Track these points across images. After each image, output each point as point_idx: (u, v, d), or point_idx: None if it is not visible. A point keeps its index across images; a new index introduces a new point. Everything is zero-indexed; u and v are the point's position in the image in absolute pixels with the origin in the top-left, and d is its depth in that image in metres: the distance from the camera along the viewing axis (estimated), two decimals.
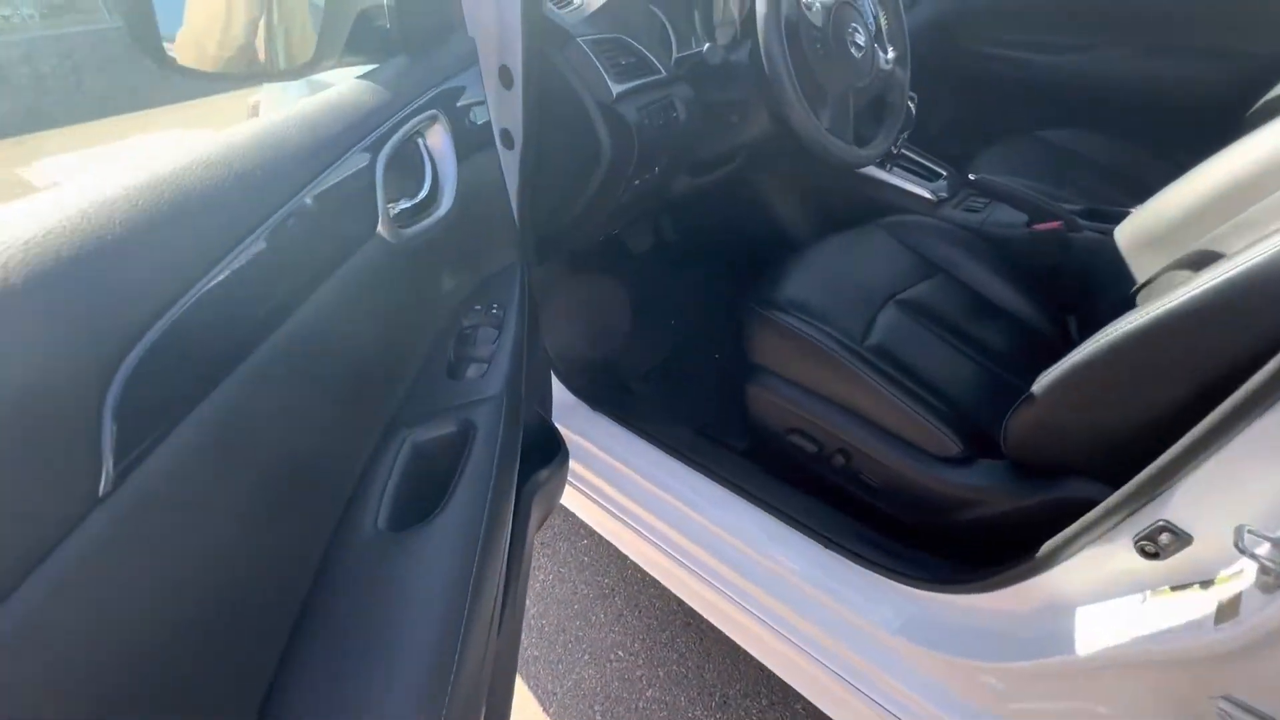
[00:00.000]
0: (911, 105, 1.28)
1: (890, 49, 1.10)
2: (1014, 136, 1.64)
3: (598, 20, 0.99)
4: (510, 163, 0.94)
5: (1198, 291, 0.58)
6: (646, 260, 1.62)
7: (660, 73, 1.01)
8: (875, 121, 1.19)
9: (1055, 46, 1.72)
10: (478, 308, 0.68)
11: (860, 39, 0.97)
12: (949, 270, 1.20)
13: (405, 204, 0.58)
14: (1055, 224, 1.14)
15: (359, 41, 0.68)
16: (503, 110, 0.90)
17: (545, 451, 0.91)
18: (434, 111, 0.60)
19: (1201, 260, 0.85)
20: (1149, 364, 0.64)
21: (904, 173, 1.38)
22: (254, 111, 1.73)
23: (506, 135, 0.93)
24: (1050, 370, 0.72)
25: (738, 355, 1.11)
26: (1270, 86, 1.46)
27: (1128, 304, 0.99)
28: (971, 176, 1.20)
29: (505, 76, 0.87)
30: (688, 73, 1.04)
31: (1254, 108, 1.40)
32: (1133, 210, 1.19)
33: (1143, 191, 1.45)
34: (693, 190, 1.25)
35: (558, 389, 1.27)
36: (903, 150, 1.40)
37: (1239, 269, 0.56)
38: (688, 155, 1.14)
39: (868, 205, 1.36)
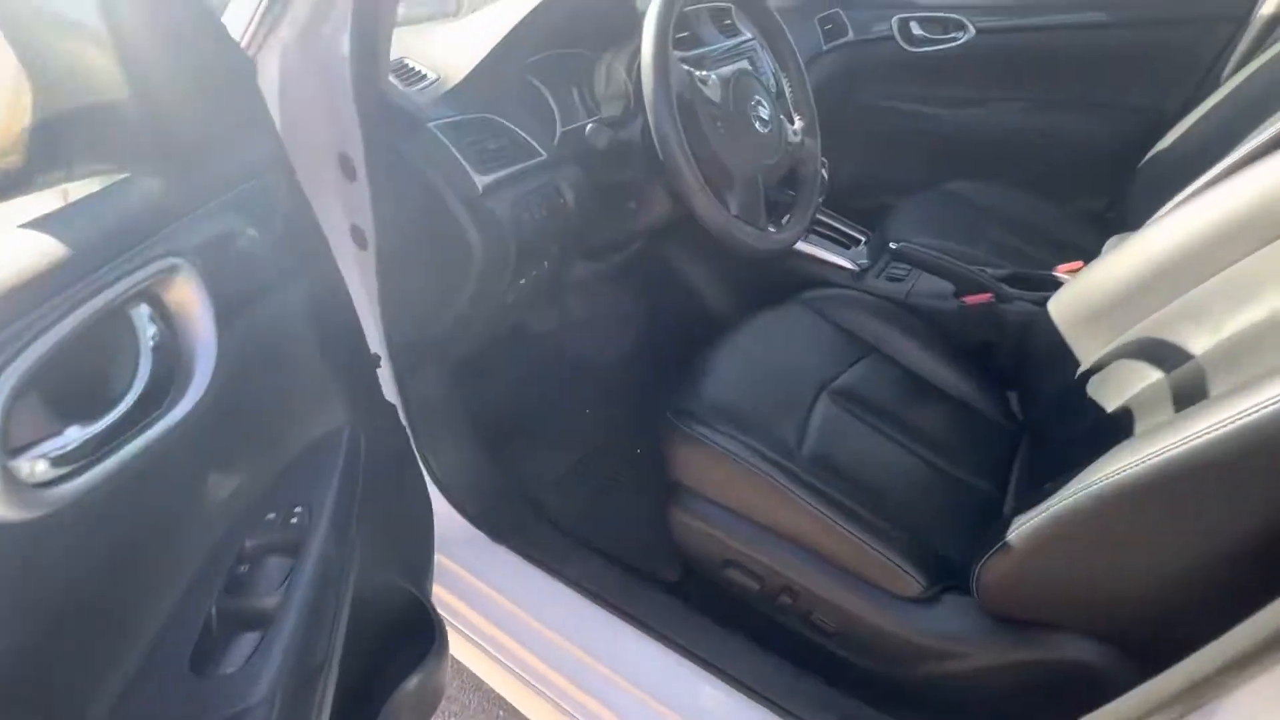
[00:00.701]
0: (824, 172, 1.18)
1: (797, 117, 1.00)
2: (924, 191, 1.60)
3: (460, 98, 0.83)
4: (365, 264, 0.75)
5: (1204, 440, 0.47)
6: (551, 341, 1.44)
7: (540, 155, 0.86)
8: (788, 199, 1.09)
9: (954, 100, 1.72)
10: (270, 517, 0.47)
11: (764, 112, 0.86)
12: (881, 349, 1.10)
13: (81, 432, 0.37)
14: (985, 296, 1.06)
15: (91, 147, 0.48)
16: (349, 204, 0.72)
17: (417, 643, 0.70)
18: (174, 261, 0.40)
19: (1154, 352, 0.77)
20: (1149, 517, 0.52)
21: (821, 240, 1.29)
22: None
23: (357, 232, 0.75)
24: (1026, 517, 0.60)
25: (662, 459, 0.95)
26: (1155, 137, 1.49)
27: (1074, 389, 0.91)
28: (893, 245, 1.12)
29: (346, 166, 0.69)
30: (575, 152, 0.90)
31: (1145, 159, 1.41)
32: (1063, 278, 1.14)
33: (1053, 245, 1.46)
34: (595, 275, 1.10)
35: (450, 520, 1.06)
36: (818, 216, 1.31)
37: (1248, 418, 0.45)
38: (583, 243, 0.99)
39: (787, 277, 1.25)
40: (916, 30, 1.69)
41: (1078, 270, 1.19)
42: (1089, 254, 1.42)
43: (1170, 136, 1.36)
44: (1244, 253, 0.74)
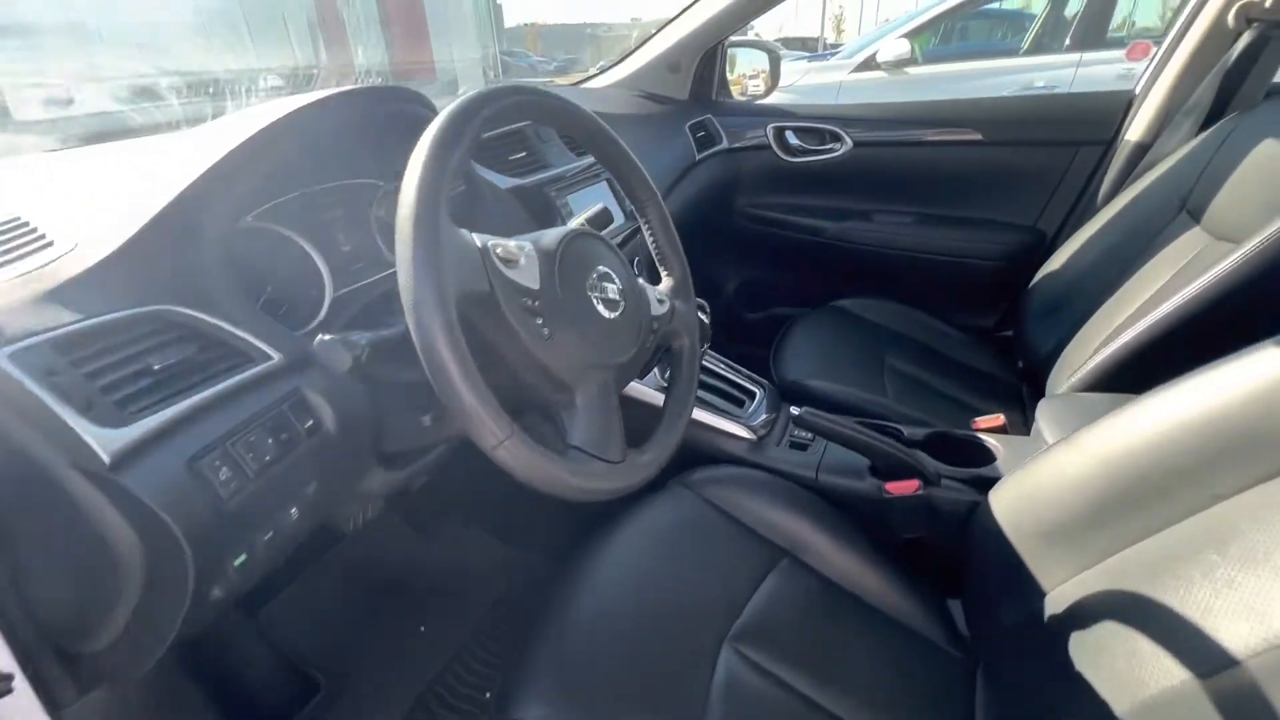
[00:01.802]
0: (705, 317, 0.95)
1: (664, 273, 0.76)
2: (813, 312, 1.44)
3: (109, 282, 0.50)
4: None
5: None
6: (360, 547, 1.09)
7: (269, 358, 0.54)
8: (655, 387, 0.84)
9: (836, 211, 1.61)
10: None
11: (614, 287, 0.60)
12: (793, 551, 0.85)
13: None
14: (912, 485, 0.85)
15: None
16: None
17: None
18: None
19: (1140, 612, 0.56)
20: None
21: (710, 395, 1.05)
22: None
23: None
24: None
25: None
26: (1039, 256, 1.44)
27: (1033, 614, 0.70)
28: (794, 412, 0.90)
29: None
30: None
31: (1034, 279, 1.32)
32: (988, 442, 0.96)
33: (957, 374, 1.34)
34: (397, 484, 0.77)
35: None
36: (703, 363, 1.08)
37: None
38: (372, 451, 0.67)
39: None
40: (793, 140, 1.58)
41: (999, 426, 1.03)
42: (993, 381, 1.31)
43: (1059, 258, 1.28)
44: (1239, 482, 0.56)
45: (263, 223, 0.65)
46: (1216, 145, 1.04)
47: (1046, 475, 0.74)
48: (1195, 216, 1.05)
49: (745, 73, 1.92)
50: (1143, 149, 1.26)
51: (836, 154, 1.54)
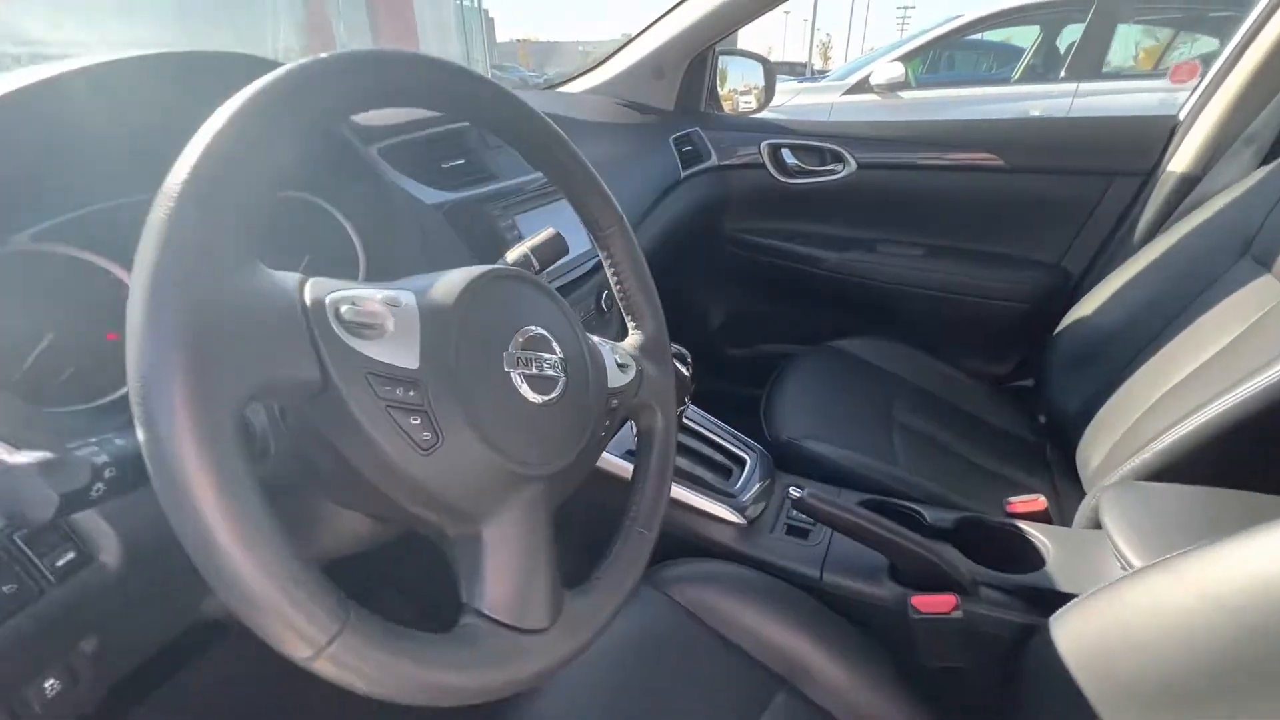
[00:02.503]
0: (686, 369, 0.76)
1: (633, 327, 0.56)
2: (810, 353, 1.26)
3: None
4: None
5: None
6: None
7: None
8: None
9: (837, 240, 1.44)
10: None
11: (549, 358, 0.40)
12: (793, 681, 0.66)
13: None
14: (949, 600, 0.65)
15: None
16: None
17: None
18: None
19: None
20: None
21: (690, 462, 0.86)
22: None
23: None
24: None
25: None
26: (1063, 300, 1.28)
27: None
28: (793, 493, 0.71)
29: None
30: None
31: (1061, 326, 1.15)
32: (1028, 532, 0.77)
33: (976, 433, 1.14)
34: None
35: None
36: (683, 420, 0.89)
37: None
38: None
39: None
40: (789, 159, 1.41)
41: (1040, 511, 0.84)
42: (1013, 440, 1.13)
43: (1088, 304, 1.11)
44: None
45: (44, 244, 0.44)
46: None
47: (1138, 610, 0.55)
48: (1264, 262, 0.89)
49: (736, 87, 1.76)
50: (1190, 182, 1.10)
51: (838, 176, 1.37)
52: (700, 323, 1.65)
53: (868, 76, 3.63)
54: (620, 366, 0.50)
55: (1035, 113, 3.40)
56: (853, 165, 1.35)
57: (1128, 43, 3.92)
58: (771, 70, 1.62)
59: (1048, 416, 1.16)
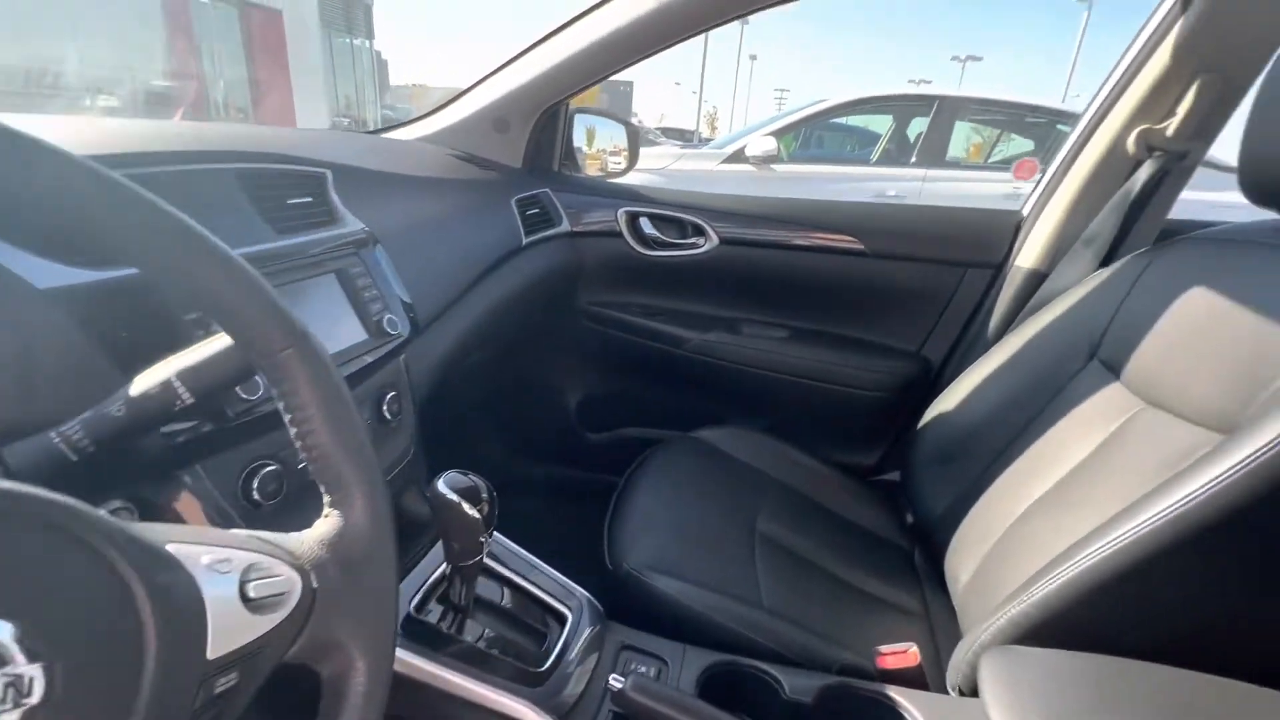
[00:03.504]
0: (478, 511, 0.56)
1: (330, 505, 0.36)
2: (668, 446, 1.11)
3: None
4: None
5: None
6: None
7: None
8: None
9: (700, 319, 1.32)
10: None
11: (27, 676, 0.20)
12: None
13: None
14: None
15: None
16: None
17: None
18: None
19: None
20: None
21: (491, 627, 0.64)
22: None
23: None
24: None
25: None
26: (926, 390, 1.23)
27: None
28: (614, 684, 0.52)
29: None
30: None
31: (924, 420, 1.09)
32: (898, 701, 0.63)
33: (841, 538, 1.04)
34: None
35: None
36: (483, 561, 0.68)
37: None
38: None
39: None
40: (648, 229, 1.29)
41: (913, 667, 0.71)
42: (882, 546, 1.03)
43: (949, 398, 1.05)
44: None
45: None
46: (1127, 286, 0.85)
47: None
48: (1112, 368, 0.85)
49: (606, 147, 1.64)
50: (1038, 277, 1.09)
51: (699, 251, 1.26)
52: (555, 405, 1.46)
53: (743, 148, 3.76)
54: (252, 603, 0.29)
55: (891, 193, 3.66)
56: (714, 240, 1.25)
57: (959, 138, 4.40)
58: (635, 133, 1.52)
59: (914, 516, 1.07)
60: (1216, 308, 0.72)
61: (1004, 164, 3.94)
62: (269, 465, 0.65)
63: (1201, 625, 0.64)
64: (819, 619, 0.82)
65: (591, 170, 1.61)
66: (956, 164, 3.87)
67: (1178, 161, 0.95)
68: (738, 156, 3.76)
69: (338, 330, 0.63)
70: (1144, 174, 0.96)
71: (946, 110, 3.79)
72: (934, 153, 3.78)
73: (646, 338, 1.32)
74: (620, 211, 1.28)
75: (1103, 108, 1.02)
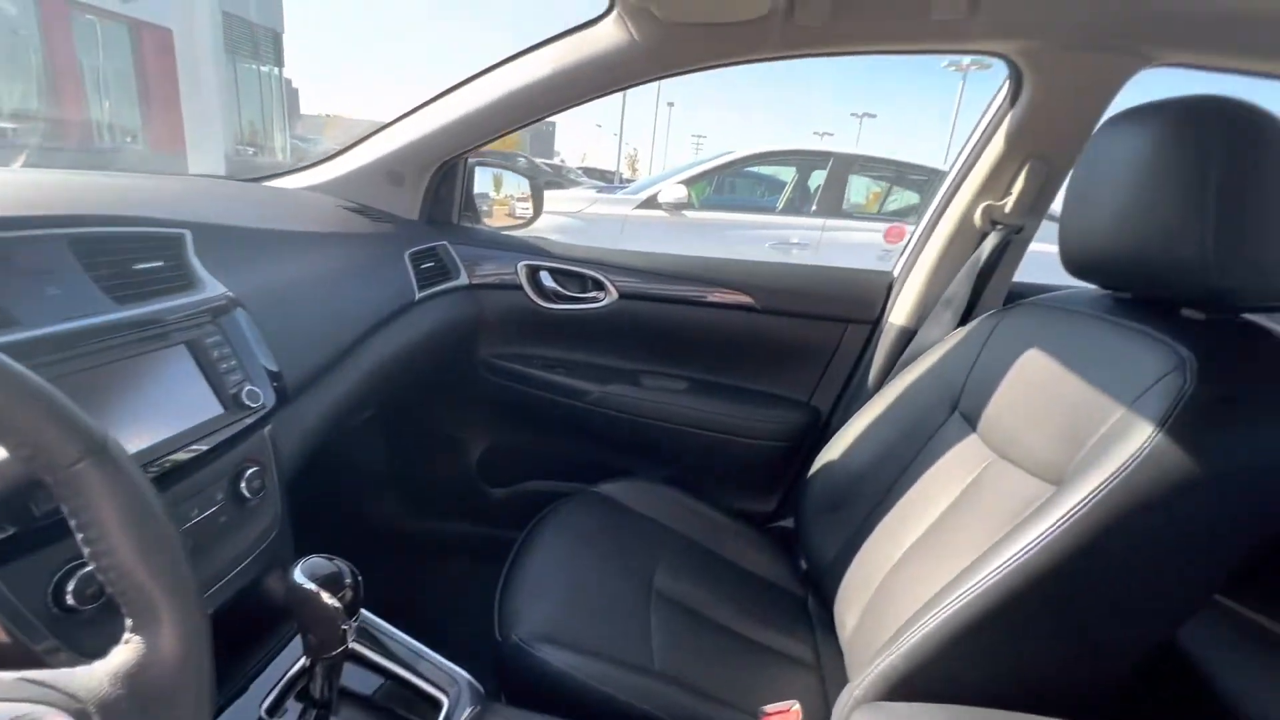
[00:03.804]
0: (337, 600, 0.53)
1: (132, 629, 0.32)
2: (569, 500, 1.10)
3: None
4: None
5: None
6: None
7: None
8: None
9: (601, 371, 1.33)
10: None
11: None
12: None
13: None
14: None
15: None
16: None
17: None
18: None
19: None
20: None
21: (357, 712, 0.60)
22: None
23: None
24: None
25: None
26: (817, 438, 1.29)
27: None
28: None
29: None
30: None
31: (814, 468, 1.13)
32: None
33: (740, 584, 1.02)
34: None
35: None
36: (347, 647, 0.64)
37: None
38: None
39: None
40: (548, 282, 1.29)
41: None
42: (777, 593, 1.06)
43: (837, 445, 1.11)
44: None
45: None
46: (979, 345, 0.94)
47: None
48: (969, 421, 0.93)
49: (514, 193, 1.65)
50: (908, 333, 1.18)
51: (600, 305, 1.28)
52: (456, 459, 1.41)
53: (657, 194, 3.89)
54: None
55: (795, 239, 3.89)
56: (614, 294, 1.28)
57: (860, 186, 4.77)
58: (539, 186, 1.54)
59: (807, 562, 1.11)
60: (1048, 369, 0.80)
61: (894, 215, 4.29)
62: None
63: (1055, 672, 0.69)
64: (710, 679, 0.82)
65: (499, 215, 1.61)
66: (851, 214, 4.17)
67: (1016, 234, 1.08)
68: (651, 202, 3.89)
69: (187, 406, 0.59)
70: (989, 244, 1.07)
71: (841, 165, 4.10)
72: (832, 203, 4.07)
73: (548, 390, 1.31)
74: (520, 265, 1.28)
75: (954, 184, 1.15)
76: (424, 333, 1.11)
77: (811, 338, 1.27)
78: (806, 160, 4.28)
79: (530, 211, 1.52)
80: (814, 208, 4.11)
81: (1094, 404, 0.71)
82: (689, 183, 3.94)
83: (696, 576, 1.02)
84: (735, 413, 1.30)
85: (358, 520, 1.44)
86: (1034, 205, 1.06)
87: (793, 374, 1.30)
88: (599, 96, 1.11)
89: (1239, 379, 0.62)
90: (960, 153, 1.16)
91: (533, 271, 1.29)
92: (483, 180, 1.47)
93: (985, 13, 0.89)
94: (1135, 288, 0.75)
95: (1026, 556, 0.62)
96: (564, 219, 3.87)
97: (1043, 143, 1.03)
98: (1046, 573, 0.62)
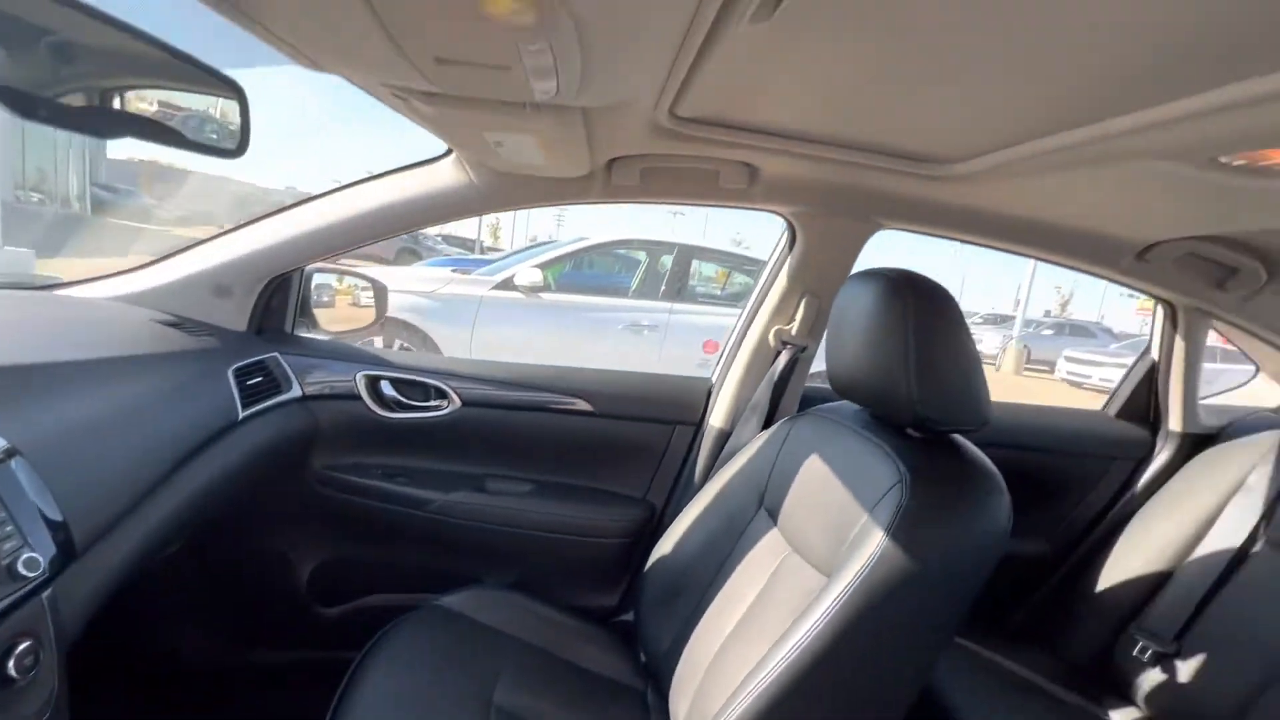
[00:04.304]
0: None
1: None
2: (409, 617, 1.08)
3: None
4: None
5: None
6: None
7: None
8: None
9: (444, 478, 1.34)
10: None
11: None
12: None
13: None
14: None
15: None
16: None
17: None
18: None
19: None
20: None
21: None
22: None
23: None
24: None
25: None
26: (652, 534, 1.39)
27: None
28: None
29: None
30: None
31: (650, 562, 1.23)
32: None
33: (581, 685, 1.04)
34: None
35: None
36: None
37: None
38: None
39: None
40: (389, 391, 1.30)
41: None
42: (617, 689, 1.11)
43: (668, 540, 1.21)
44: None
45: None
46: (777, 448, 1.11)
47: None
48: (773, 516, 1.08)
49: (357, 283, 1.64)
50: (724, 435, 1.35)
51: (443, 413, 1.31)
52: (283, 580, 1.32)
53: (513, 276, 3.98)
54: None
55: (645, 322, 4.15)
56: (457, 402, 1.31)
57: (710, 269, 5.24)
58: (383, 291, 1.55)
59: (646, 654, 1.18)
60: (822, 472, 0.97)
61: (734, 298, 4.77)
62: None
63: None
64: None
65: (341, 305, 1.58)
66: (696, 298, 4.56)
67: (801, 352, 1.30)
68: (508, 284, 3.97)
69: None
70: (782, 360, 1.29)
71: (685, 254, 4.51)
72: (677, 289, 4.43)
73: (388, 500, 1.29)
74: (359, 375, 1.28)
75: (754, 308, 1.37)
76: (249, 452, 1.06)
77: (644, 438, 1.40)
78: (656, 247, 4.65)
79: (374, 313, 1.52)
80: (662, 290, 4.45)
81: (849, 507, 0.88)
82: (544, 266, 4.09)
83: (538, 685, 1.04)
84: (578, 512, 1.37)
85: (169, 660, 1.28)
86: (812, 330, 1.30)
87: (629, 472, 1.41)
88: (439, 223, 1.19)
89: (941, 488, 0.82)
90: (759, 282, 1.38)
91: (372, 381, 1.29)
92: (321, 280, 1.46)
93: (760, 185, 1.12)
94: (873, 407, 0.95)
95: (809, 641, 0.75)
96: (416, 299, 3.81)
97: (812, 282, 1.28)
98: (825, 652, 0.75)
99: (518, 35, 0.48)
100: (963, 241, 1.23)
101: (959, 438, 0.92)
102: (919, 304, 0.83)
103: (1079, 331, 14.15)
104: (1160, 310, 1.43)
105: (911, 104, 0.77)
